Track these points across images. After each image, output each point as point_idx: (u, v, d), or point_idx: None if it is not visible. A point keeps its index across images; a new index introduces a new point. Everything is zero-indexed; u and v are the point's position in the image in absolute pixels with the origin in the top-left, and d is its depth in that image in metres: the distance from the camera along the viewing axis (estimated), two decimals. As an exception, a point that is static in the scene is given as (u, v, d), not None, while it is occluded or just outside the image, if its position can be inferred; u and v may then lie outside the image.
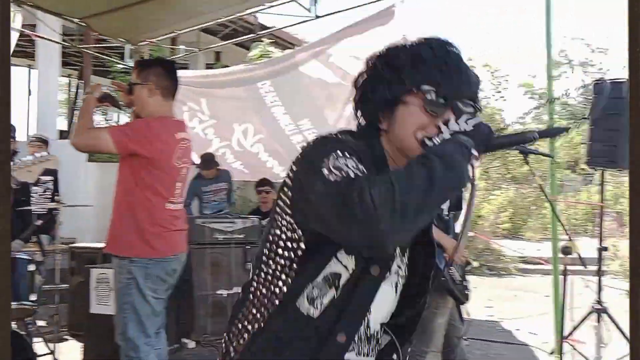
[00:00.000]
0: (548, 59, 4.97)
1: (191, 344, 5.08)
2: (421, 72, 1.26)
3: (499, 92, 16.89)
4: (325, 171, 1.14)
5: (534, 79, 34.49)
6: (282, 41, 10.36)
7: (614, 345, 4.66)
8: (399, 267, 1.38)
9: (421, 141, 1.25)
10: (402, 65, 1.28)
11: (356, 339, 1.30)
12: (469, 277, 3.61)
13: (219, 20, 6.62)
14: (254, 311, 1.31)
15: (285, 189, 1.27)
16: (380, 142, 1.32)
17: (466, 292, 3.39)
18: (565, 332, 4.68)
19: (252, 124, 7.15)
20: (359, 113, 1.36)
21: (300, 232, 1.25)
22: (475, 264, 8.80)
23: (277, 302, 1.27)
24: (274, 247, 1.30)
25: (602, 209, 4.89)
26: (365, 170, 1.15)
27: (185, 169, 3.27)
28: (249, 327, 1.30)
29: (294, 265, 1.27)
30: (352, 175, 1.12)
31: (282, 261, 1.28)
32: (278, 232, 1.29)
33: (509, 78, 17.22)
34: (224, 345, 1.36)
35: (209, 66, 10.36)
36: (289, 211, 1.26)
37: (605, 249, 4.80)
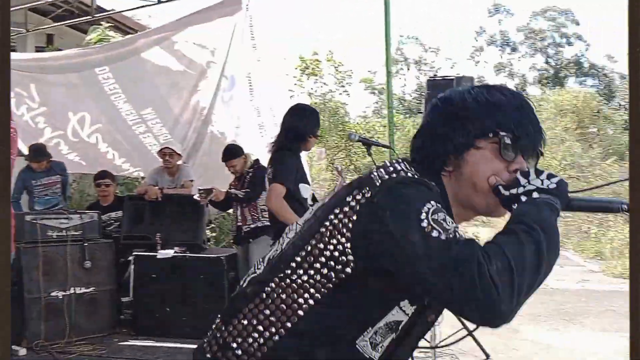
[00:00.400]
0: (387, 55, 5.23)
1: (22, 351, 4.69)
2: (497, 118, 1.27)
3: (343, 86, 17.54)
4: (425, 223, 1.11)
5: (374, 75, 36.28)
6: (123, 26, 9.82)
7: (446, 322, 5.04)
8: None
9: (494, 187, 1.25)
10: (476, 111, 1.28)
11: None
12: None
13: (50, 0, 6.11)
14: (267, 313, 1.25)
15: (348, 209, 1.22)
16: (442, 182, 1.30)
17: None
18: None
19: (89, 112, 6.71)
20: (422, 149, 1.34)
21: (351, 257, 1.20)
22: None
23: (300, 312, 1.23)
24: (311, 258, 1.24)
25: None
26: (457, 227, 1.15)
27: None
28: (260, 327, 1.25)
29: (329, 285, 1.23)
30: (458, 237, 1.11)
31: (317, 276, 1.23)
32: (322, 246, 1.23)
33: (352, 73, 17.94)
34: (217, 334, 1.31)
35: (39, 49, 9.53)
36: (347, 234, 1.20)
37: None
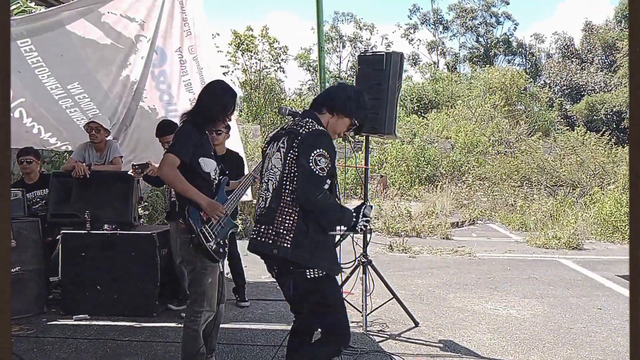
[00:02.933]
0: (319, 30, 5.25)
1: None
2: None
3: (278, 63, 17.43)
4: (311, 157, 2.81)
5: (310, 52, 36.08)
6: (44, -2, 9.38)
7: (377, 292, 5.19)
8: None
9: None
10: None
11: None
12: (243, 242, 3.62)
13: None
14: (288, 210, 2.85)
15: (295, 151, 2.87)
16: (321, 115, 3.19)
17: (221, 251, 3.46)
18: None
19: (11, 86, 6.40)
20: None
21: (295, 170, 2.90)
22: (240, 227, 8.96)
23: (296, 206, 2.85)
24: (290, 178, 2.86)
25: (367, 172, 5.37)
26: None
27: None
28: (288, 222, 2.84)
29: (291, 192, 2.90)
30: (323, 175, 2.85)
31: (292, 188, 2.87)
32: (287, 171, 2.87)
33: (287, 50, 17.83)
34: (268, 229, 2.89)
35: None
36: (295, 162, 2.85)
37: (371, 207, 5.25)
